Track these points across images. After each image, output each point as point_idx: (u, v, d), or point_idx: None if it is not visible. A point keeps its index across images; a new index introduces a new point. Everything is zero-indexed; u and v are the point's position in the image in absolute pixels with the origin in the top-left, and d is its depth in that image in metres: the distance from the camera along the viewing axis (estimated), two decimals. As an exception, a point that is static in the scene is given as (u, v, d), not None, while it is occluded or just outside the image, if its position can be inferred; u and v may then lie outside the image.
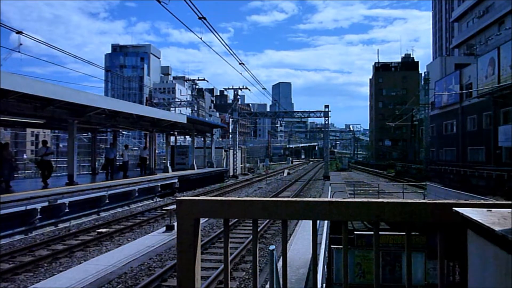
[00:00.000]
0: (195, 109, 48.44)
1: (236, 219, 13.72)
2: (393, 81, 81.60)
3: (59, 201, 13.80)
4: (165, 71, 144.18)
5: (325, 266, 6.19)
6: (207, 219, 12.97)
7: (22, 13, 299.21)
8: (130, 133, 44.02)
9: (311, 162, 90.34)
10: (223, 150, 40.67)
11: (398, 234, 6.04)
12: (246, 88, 42.88)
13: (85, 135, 29.93)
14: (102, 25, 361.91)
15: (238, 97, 43.84)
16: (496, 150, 30.12)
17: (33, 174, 26.06)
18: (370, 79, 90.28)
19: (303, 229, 12.38)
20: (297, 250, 9.93)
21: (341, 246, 1.53)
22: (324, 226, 7.69)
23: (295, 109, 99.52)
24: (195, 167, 30.55)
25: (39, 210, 12.81)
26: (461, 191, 16.40)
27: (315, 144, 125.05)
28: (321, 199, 1.46)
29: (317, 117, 42.92)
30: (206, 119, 54.27)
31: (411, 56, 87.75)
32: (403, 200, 1.41)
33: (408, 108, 53.01)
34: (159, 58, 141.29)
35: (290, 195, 25.06)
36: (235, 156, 41.04)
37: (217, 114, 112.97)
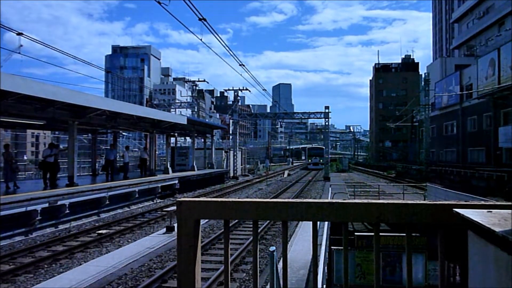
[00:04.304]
0: (195, 110, 48.46)
1: (236, 220, 13.72)
2: (393, 82, 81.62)
3: (59, 203, 13.81)
4: (165, 72, 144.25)
5: (326, 267, 6.18)
6: (207, 220, 12.95)
7: (21, 14, 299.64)
8: (130, 134, 44.03)
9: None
10: (223, 151, 40.67)
11: (398, 235, 6.03)
12: (246, 89, 42.92)
13: (85, 136, 29.94)
14: (101, 26, 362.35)
15: (238, 98, 43.87)
16: (496, 151, 30.11)
17: (34, 175, 26.07)
18: (370, 80, 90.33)
19: (304, 230, 12.38)
20: (297, 251, 9.92)
21: (342, 247, 1.53)
22: (325, 227, 7.69)
23: (295, 110, 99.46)
24: (196, 168, 30.55)
25: (39, 211, 12.82)
26: (462, 192, 16.38)
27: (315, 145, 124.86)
28: (321, 200, 1.47)
29: (317, 118, 42.96)
30: (206, 120, 54.32)
31: (411, 57, 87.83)
32: (404, 201, 1.41)
33: (408, 109, 53.01)
34: (159, 59, 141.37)
35: (291, 196, 25.06)
36: (235, 157, 41.04)
37: (218, 115, 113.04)
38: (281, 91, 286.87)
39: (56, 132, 33.27)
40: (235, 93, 43.38)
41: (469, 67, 37.32)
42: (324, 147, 54.43)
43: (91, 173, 25.47)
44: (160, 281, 8.14)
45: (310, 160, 65.61)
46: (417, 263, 5.85)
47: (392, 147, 79.63)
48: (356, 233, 6.45)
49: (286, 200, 1.48)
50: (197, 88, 51.44)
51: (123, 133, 36.49)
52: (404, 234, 1.44)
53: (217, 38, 16.73)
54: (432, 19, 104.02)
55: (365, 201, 1.43)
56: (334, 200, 1.43)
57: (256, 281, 1.54)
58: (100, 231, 12.96)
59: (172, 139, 34.29)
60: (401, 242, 5.91)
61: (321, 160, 57.53)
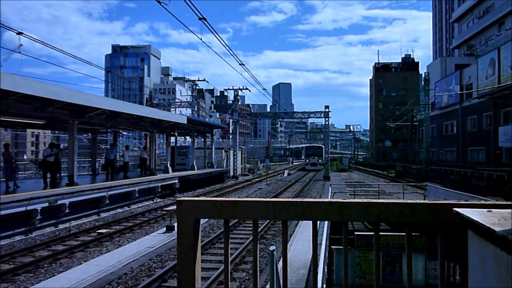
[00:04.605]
0: (195, 109, 48.47)
1: (236, 220, 13.72)
2: (393, 81, 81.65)
3: (59, 202, 13.81)
4: (165, 71, 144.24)
5: (325, 267, 6.18)
6: (207, 219, 12.93)
7: (21, 14, 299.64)
8: (130, 134, 44.05)
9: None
10: (223, 150, 40.67)
11: (398, 235, 6.03)
12: (246, 89, 42.90)
13: (85, 135, 29.94)
14: (101, 25, 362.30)
15: (238, 97, 43.84)
16: (496, 151, 30.11)
17: (34, 175, 26.08)
18: (370, 79, 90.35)
19: (304, 229, 12.38)
20: (297, 251, 9.92)
21: (342, 247, 1.53)
22: (325, 227, 7.69)
23: (295, 110, 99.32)
24: (195, 168, 30.55)
25: (39, 210, 12.82)
26: (462, 192, 16.38)
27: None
28: (321, 199, 1.46)
29: (317, 117, 42.94)
30: (206, 119, 54.32)
31: (411, 56, 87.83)
32: (404, 201, 1.41)
33: (408, 108, 53.00)
34: (159, 59, 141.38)
35: (291, 195, 25.06)
36: (235, 156, 41.04)
37: (217, 114, 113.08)
38: (281, 91, 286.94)
39: (56, 132, 33.28)
40: (235, 93, 43.37)
41: (469, 67, 37.29)
42: (323, 146, 52.42)
43: (91, 173, 25.47)
44: (160, 281, 8.15)
45: (307, 160, 59.48)
46: (417, 262, 5.85)
47: (392, 147, 79.65)
48: (356, 233, 6.45)
49: (286, 199, 1.48)
50: (197, 87, 51.48)
51: (123, 133, 36.50)
52: (404, 234, 1.44)
53: (217, 38, 16.74)
54: (432, 18, 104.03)
55: (365, 200, 1.43)
56: (334, 200, 1.43)
57: (256, 281, 1.54)
58: (100, 231, 12.96)
59: (172, 139, 34.31)
60: (401, 242, 5.90)
61: (320, 160, 54.11)
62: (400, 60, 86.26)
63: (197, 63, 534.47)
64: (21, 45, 20.22)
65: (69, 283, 7.85)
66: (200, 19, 14.98)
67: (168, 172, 26.04)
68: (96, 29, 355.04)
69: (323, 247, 6.47)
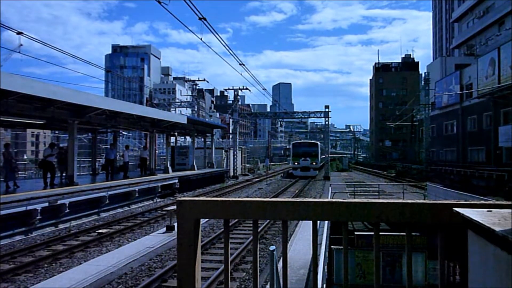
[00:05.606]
0: (195, 109, 48.44)
1: (236, 220, 13.72)
2: (393, 81, 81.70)
3: (59, 202, 13.81)
4: (165, 71, 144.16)
5: (326, 267, 6.18)
6: (207, 219, 12.93)
7: (21, 13, 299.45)
8: (130, 134, 44.03)
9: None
10: (223, 150, 40.66)
11: (398, 235, 6.02)
12: (246, 89, 42.88)
13: (85, 135, 29.95)
14: (101, 25, 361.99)
15: (238, 97, 43.84)
16: (496, 151, 30.11)
17: (34, 175, 26.09)
18: (370, 79, 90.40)
19: (304, 229, 12.38)
20: (297, 251, 9.92)
21: (342, 247, 1.53)
22: (325, 227, 7.68)
23: (295, 110, 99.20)
24: (195, 168, 30.55)
25: (39, 210, 12.82)
26: (462, 192, 16.38)
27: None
28: (321, 199, 1.47)
29: (317, 117, 42.98)
30: (206, 119, 54.27)
31: (411, 56, 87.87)
32: (404, 201, 1.41)
33: (408, 108, 53.01)
34: (159, 59, 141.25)
35: (291, 195, 25.06)
36: (235, 156, 41.03)
37: (218, 114, 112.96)
38: (281, 91, 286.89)
39: (56, 132, 33.27)
40: (235, 93, 43.36)
41: (469, 67, 37.30)
42: (318, 143, 45.11)
43: (91, 173, 25.47)
44: (160, 281, 8.15)
45: (296, 163, 41.09)
46: (417, 262, 5.84)
47: (392, 147, 79.70)
48: (356, 233, 6.44)
49: (286, 199, 1.48)
50: (197, 87, 51.43)
51: (123, 133, 36.50)
52: (404, 234, 1.44)
53: (217, 38, 16.73)
54: (432, 18, 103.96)
55: (365, 200, 1.43)
56: (334, 200, 1.43)
57: (256, 281, 1.54)
58: (100, 231, 12.96)
59: (172, 139, 34.31)
60: (401, 242, 5.90)
61: (315, 163, 40.45)
62: (400, 60, 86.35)
63: (197, 63, 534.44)
64: (21, 45, 20.24)
65: (69, 283, 7.85)
66: (200, 19, 14.97)
67: (168, 172, 26.03)
68: (96, 29, 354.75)
69: (323, 247, 6.47)
